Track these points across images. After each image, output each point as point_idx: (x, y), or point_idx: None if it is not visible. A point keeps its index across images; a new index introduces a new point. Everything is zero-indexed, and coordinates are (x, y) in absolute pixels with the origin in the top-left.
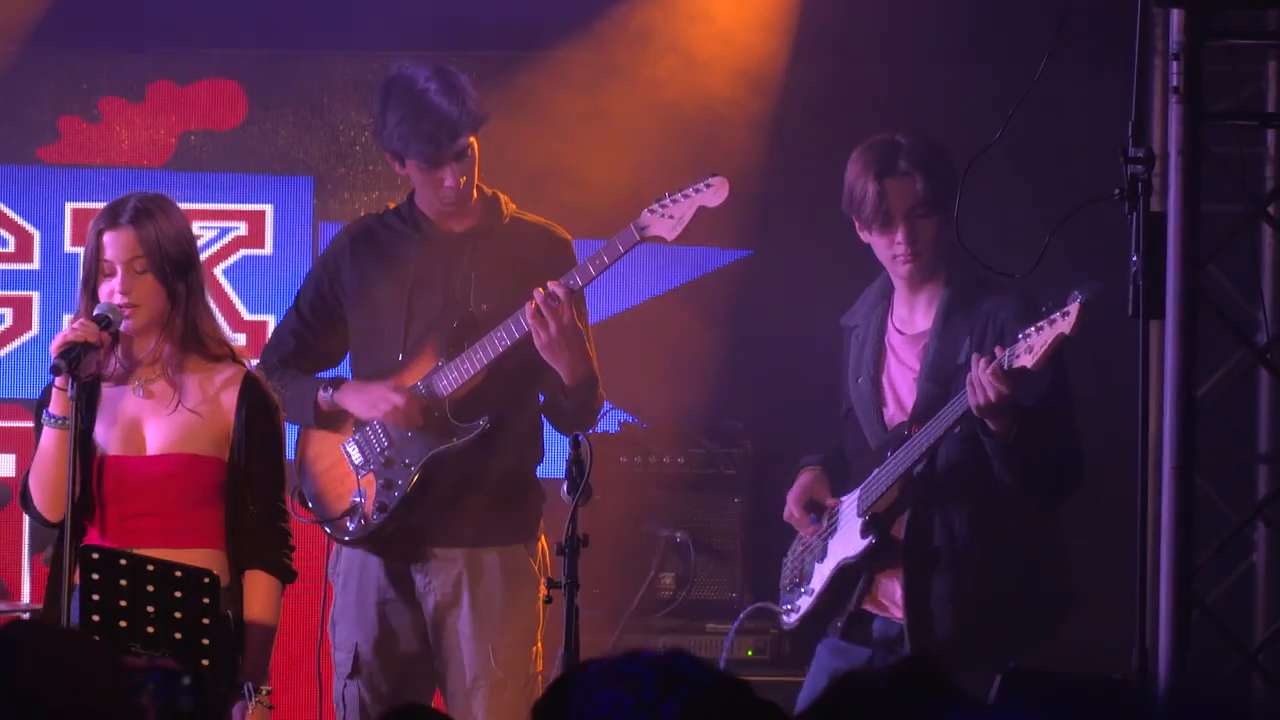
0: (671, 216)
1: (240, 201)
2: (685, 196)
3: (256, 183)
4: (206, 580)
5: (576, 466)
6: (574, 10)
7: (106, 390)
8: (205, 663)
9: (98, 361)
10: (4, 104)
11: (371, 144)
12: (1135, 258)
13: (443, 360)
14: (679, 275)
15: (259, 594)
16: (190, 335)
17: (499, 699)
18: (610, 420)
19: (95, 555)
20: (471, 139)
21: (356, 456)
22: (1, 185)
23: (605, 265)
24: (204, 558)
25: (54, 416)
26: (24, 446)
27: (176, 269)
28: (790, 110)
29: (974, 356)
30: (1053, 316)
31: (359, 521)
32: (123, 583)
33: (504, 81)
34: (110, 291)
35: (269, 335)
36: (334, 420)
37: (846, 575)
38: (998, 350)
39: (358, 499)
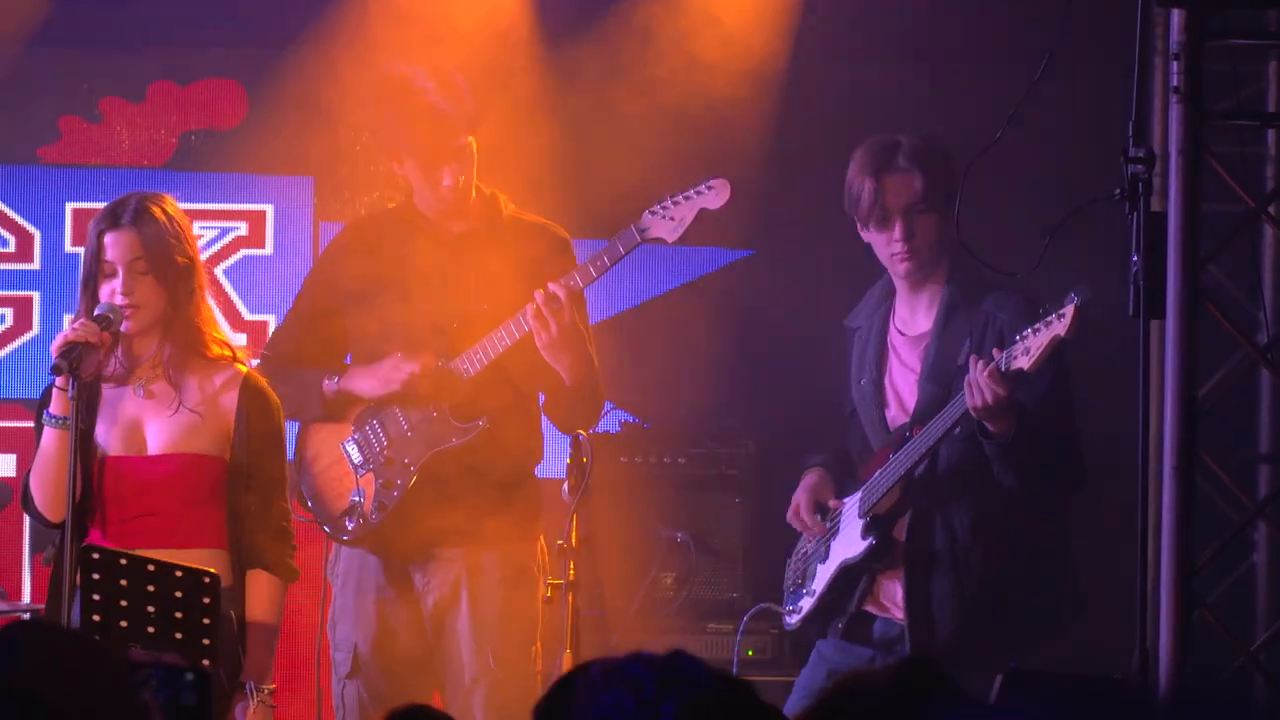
0: (672, 218)
1: (241, 201)
2: (686, 198)
3: (257, 183)
4: (207, 580)
5: (578, 467)
6: (576, 10)
7: (107, 391)
8: (206, 663)
9: (98, 362)
10: (4, 104)
11: (372, 144)
12: (1136, 258)
13: (442, 361)
14: (680, 275)
15: (261, 593)
16: (191, 336)
17: (498, 698)
18: (611, 420)
19: (95, 555)
20: (470, 139)
21: (356, 456)
22: (2, 185)
23: (606, 266)
24: (206, 558)
25: (54, 417)
26: (25, 447)
27: (178, 270)
28: (791, 111)
29: (972, 359)
30: (1049, 319)
31: (358, 521)
32: (123, 583)
33: (504, 81)
34: (112, 292)
35: (269, 335)
36: (339, 409)
37: (848, 576)
38: (995, 352)
39: (357, 498)
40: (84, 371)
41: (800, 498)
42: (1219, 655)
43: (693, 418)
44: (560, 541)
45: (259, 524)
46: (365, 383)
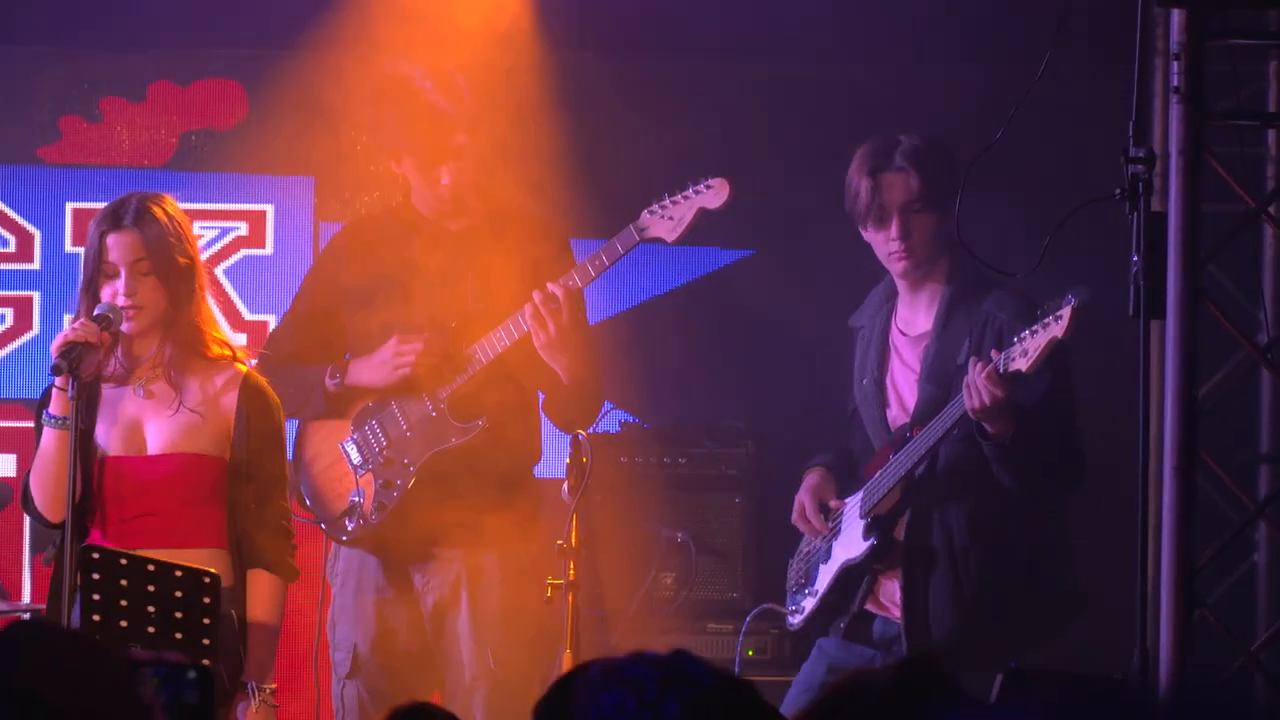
0: (671, 218)
1: (241, 201)
2: (685, 198)
3: (257, 182)
4: (207, 580)
5: (578, 467)
6: (576, 10)
7: (107, 391)
8: (206, 663)
9: (98, 362)
10: (4, 104)
11: (371, 143)
12: (1136, 258)
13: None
14: (679, 275)
15: (262, 593)
16: (192, 336)
17: (498, 698)
18: (611, 420)
19: (95, 555)
20: (469, 138)
21: (355, 456)
22: (2, 185)
23: (605, 266)
24: (206, 557)
25: (54, 417)
26: (25, 447)
27: (179, 270)
28: (791, 111)
29: (971, 360)
30: (1046, 320)
31: (358, 521)
32: (123, 583)
33: (505, 81)
34: (114, 293)
35: (269, 335)
36: (343, 404)
37: (850, 576)
38: (994, 354)
39: (356, 498)
40: (84, 371)
41: (804, 498)
42: (1219, 655)
43: (693, 418)
44: (560, 541)
45: (259, 523)
46: (370, 374)
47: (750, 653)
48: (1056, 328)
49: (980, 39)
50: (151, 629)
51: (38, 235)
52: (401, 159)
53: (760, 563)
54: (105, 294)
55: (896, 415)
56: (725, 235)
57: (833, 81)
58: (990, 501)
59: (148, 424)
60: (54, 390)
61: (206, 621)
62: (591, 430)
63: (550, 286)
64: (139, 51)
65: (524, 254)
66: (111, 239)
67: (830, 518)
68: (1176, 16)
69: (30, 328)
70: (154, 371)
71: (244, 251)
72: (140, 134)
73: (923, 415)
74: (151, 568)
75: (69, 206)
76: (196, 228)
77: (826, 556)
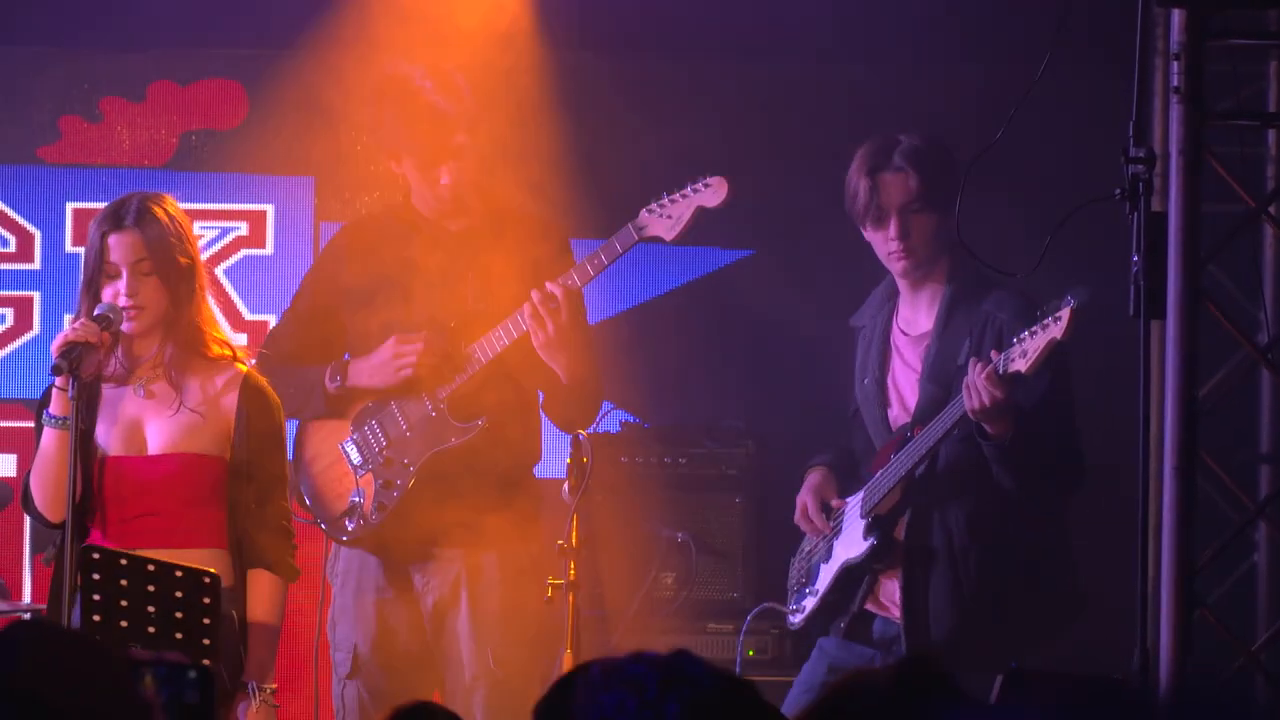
0: (670, 216)
1: (241, 201)
2: (684, 196)
3: (257, 182)
4: (207, 580)
5: (578, 467)
6: (576, 10)
7: (107, 391)
8: (206, 663)
9: (98, 362)
10: (5, 104)
11: (371, 143)
12: (1136, 258)
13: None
14: (679, 275)
15: (262, 593)
16: (192, 336)
17: (498, 698)
18: (611, 420)
19: (96, 555)
20: (468, 138)
21: (355, 456)
22: (2, 185)
23: (603, 265)
24: (207, 557)
25: (54, 417)
26: (25, 447)
27: (180, 270)
28: (791, 110)
29: (971, 361)
30: (1046, 321)
31: (358, 521)
32: (123, 583)
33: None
34: (115, 294)
35: (268, 334)
36: (343, 405)
37: (850, 576)
38: (993, 354)
39: (356, 499)
40: (84, 371)
41: (806, 498)
42: (1219, 655)
43: (693, 418)
44: (560, 541)
45: (259, 523)
46: (370, 376)
47: (751, 652)
48: (1055, 329)
49: (980, 39)
50: (152, 629)
51: (38, 235)
52: (401, 159)
53: (760, 563)
54: (107, 294)
55: (898, 415)
56: (725, 235)
57: (833, 81)
58: (990, 502)
59: (148, 424)
60: (54, 390)
61: (207, 622)
62: (592, 430)
63: (549, 286)
64: (139, 51)
65: (524, 254)
66: (113, 239)
67: (832, 517)
68: (1176, 16)
69: (30, 328)
70: (154, 371)
71: (244, 251)
72: (140, 134)
73: (924, 415)
74: (152, 568)
75: (69, 206)
76: (197, 228)
77: (827, 556)
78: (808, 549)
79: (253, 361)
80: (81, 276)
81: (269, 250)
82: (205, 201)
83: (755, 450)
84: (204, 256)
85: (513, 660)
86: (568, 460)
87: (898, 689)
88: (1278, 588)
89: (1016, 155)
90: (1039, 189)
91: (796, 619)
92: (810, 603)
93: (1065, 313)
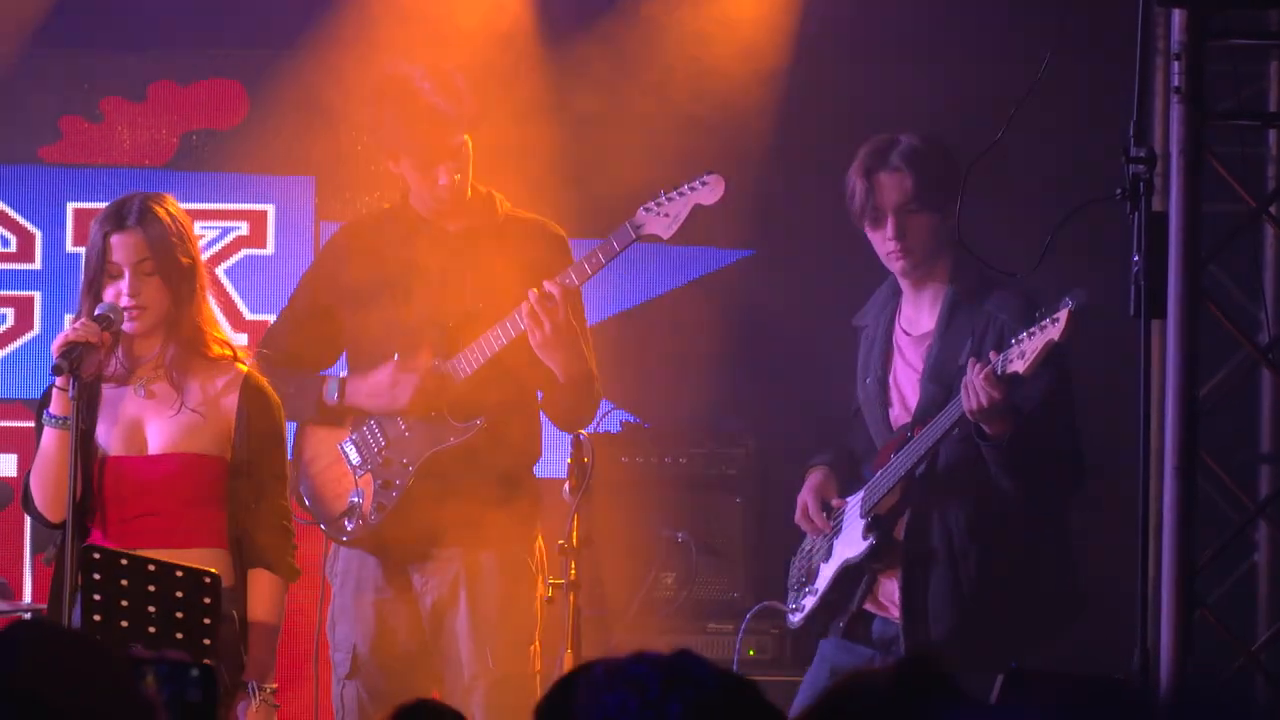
0: (667, 215)
1: (242, 201)
2: (680, 194)
3: (258, 182)
4: (208, 580)
5: (578, 466)
6: (577, 10)
7: (107, 391)
8: (206, 663)
9: (99, 362)
10: (5, 104)
11: (371, 143)
12: (1137, 257)
13: (439, 360)
14: (680, 275)
15: (263, 592)
16: (193, 336)
17: (497, 698)
18: (612, 420)
19: (96, 555)
20: (466, 138)
21: (354, 456)
22: (3, 185)
23: (601, 264)
24: (207, 557)
25: (55, 416)
26: (26, 446)
27: (182, 270)
28: (792, 110)
29: (970, 361)
30: (1044, 322)
31: (357, 521)
32: (124, 583)
33: (505, 81)
34: (117, 294)
35: (266, 332)
36: (337, 416)
37: (849, 575)
38: (992, 355)
39: (355, 499)
40: (85, 371)
41: (806, 497)
42: (1219, 655)
43: (693, 418)
44: (561, 541)
45: (260, 523)
46: (366, 399)
47: (751, 652)
48: (1053, 330)
49: (980, 39)
50: (152, 629)
51: (38, 235)
52: (400, 159)
53: (760, 563)
54: (108, 294)
55: (899, 415)
56: (725, 235)
57: (833, 81)
58: (990, 502)
59: (148, 424)
60: (54, 390)
61: (207, 621)
62: (592, 430)
63: (546, 285)
64: (140, 51)
65: (523, 254)
66: (115, 239)
67: (832, 516)
68: (1177, 16)
69: (31, 328)
70: (155, 372)
71: (245, 251)
72: (141, 134)
73: (924, 415)
74: (152, 568)
75: (70, 206)
76: (197, 228)
77: (827, 555)
78: (808, 548)
79: (252, 361)
80: (83, 276)
81: (269, 250)
82: (206, 201)
83: (755, 450)
84: (204, 256)
85: (512, 660)
86: (569, 460)
87: (897, 689)
88: (1278, 588)
89: (1017, 155)
90: (1039, 189)
91: (796, 618)
92: (810, 602)
93: (1063, 314)
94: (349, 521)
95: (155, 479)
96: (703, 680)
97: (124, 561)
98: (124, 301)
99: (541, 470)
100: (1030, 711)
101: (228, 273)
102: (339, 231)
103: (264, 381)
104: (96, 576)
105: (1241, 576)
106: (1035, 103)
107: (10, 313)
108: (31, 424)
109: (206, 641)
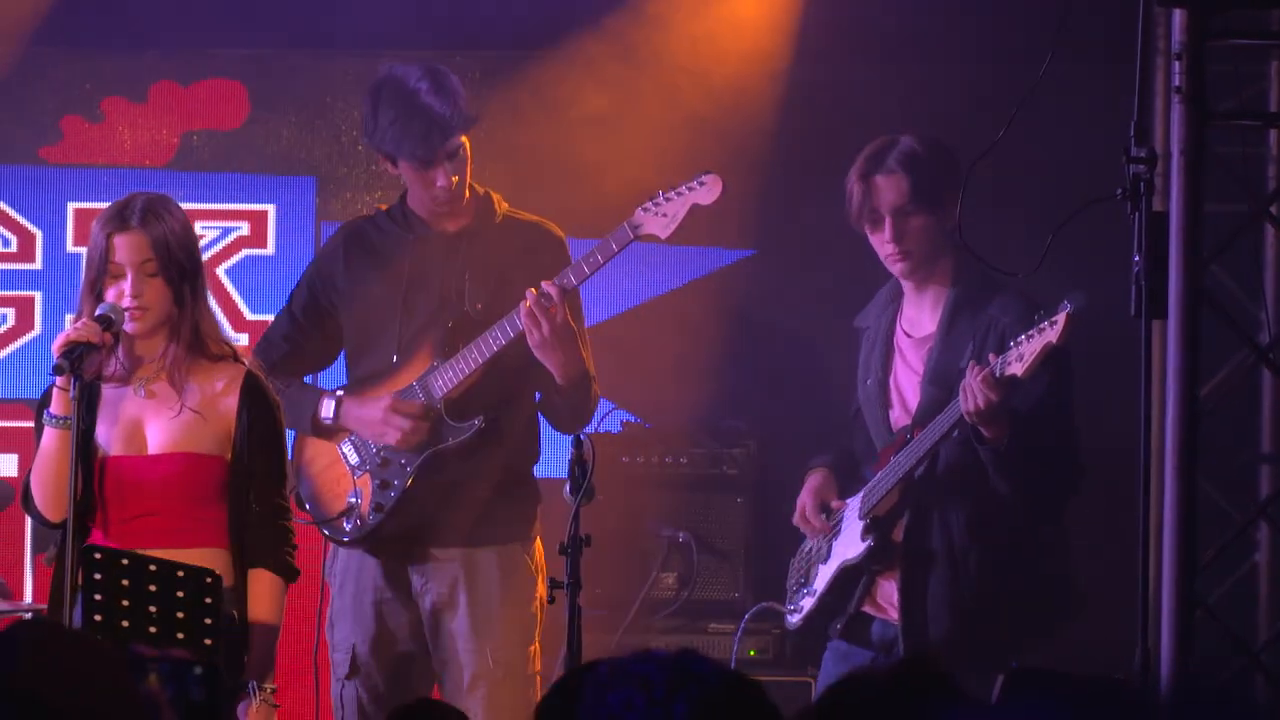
0: (665, 214)
1: (242, 201)
2: (678, 194)
3: (259, 183)
4: (209, 580)
5: (579, 467)
6: (578, 10)
7: (107, 391)
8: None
9: (99, 362)
10: (6, 104)
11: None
12: (1137, 258)
13: (438, 360)
14: (681, 275)
15: (262, 592)
16: (194, 336)
17: (497, 698)
18: (613, 420)
19: (97, 555)
20: (464, 139)
21: (353, 457)
22: (4, 185)
23: (599, 264)
24: (207, 557)
25: (55, 416)
26: (26, 446)
27: (183, 271)
28: (792, 111)
29: (970, 364)
30: (1042, 325)
31: (355, 522)
32: (125, 583)
33: (505, 80)
34: (119, 294)
35: (265, 332)
36: (330, 432)
37: (848, 577)
38: (991, 358)
39: (354, 500)
40: (85, 371)
41: (805, 500)
42: (1220, 655)
43: (693, 418)
44: (561, 541)
45: (260, 523)
46: (358, 425)
47: (752, 652)
48: (1051, 333)
49: (981, 39)
50: (153, 629)
51: (39, 235)
52: (397, 161)
53: (761, 563)
54: (110, 294)
55: (899, 417)
56: (725, 235)
57: (833, 81)
58: (989, 503)
59: (149, 424)
60: (55, 390)
61: (208, 621)
62: (592, 430)
63: (544, 285)
64: (141, 52)
65: (520, 253)
66: (118, 239)
67: (831, 518)
68: (1178, 16)
69: (32, 328)
70: (156, 372)
71: (245, 251)
72: (142, 134)
73: (924, 417)
74: (153, 567)
75: (71, 206)
76: (198, 228)
77: (826, 556)
78: (808, 549)
79: (252, 361)
80: (84, 276)
81: (270, 250)
82: (206, 201)
83: (755, 450)
84: (205, 257)
85: (511, 660)
86: (570, 460)
87: (896, 689)
88: (1278, 588)
89: (1017, 155)
90: (1040, 189)
91: (794, 619)
92: (808, 603)
93: (1061, 317)
94: (348, 522)
95: (155, 479)
96: (707, 679)
97: (125, 561)
98: (126, 302)
99: (541, 470)
100: (1030, 711)
101: (228, 273)
102: (336, 233)
103: (264, 381)
104: (97, 576)
105: (1242, 576)
106: (1035, 103)
107: (10, 313)
108: (31, 424)
109: (208, 641)
